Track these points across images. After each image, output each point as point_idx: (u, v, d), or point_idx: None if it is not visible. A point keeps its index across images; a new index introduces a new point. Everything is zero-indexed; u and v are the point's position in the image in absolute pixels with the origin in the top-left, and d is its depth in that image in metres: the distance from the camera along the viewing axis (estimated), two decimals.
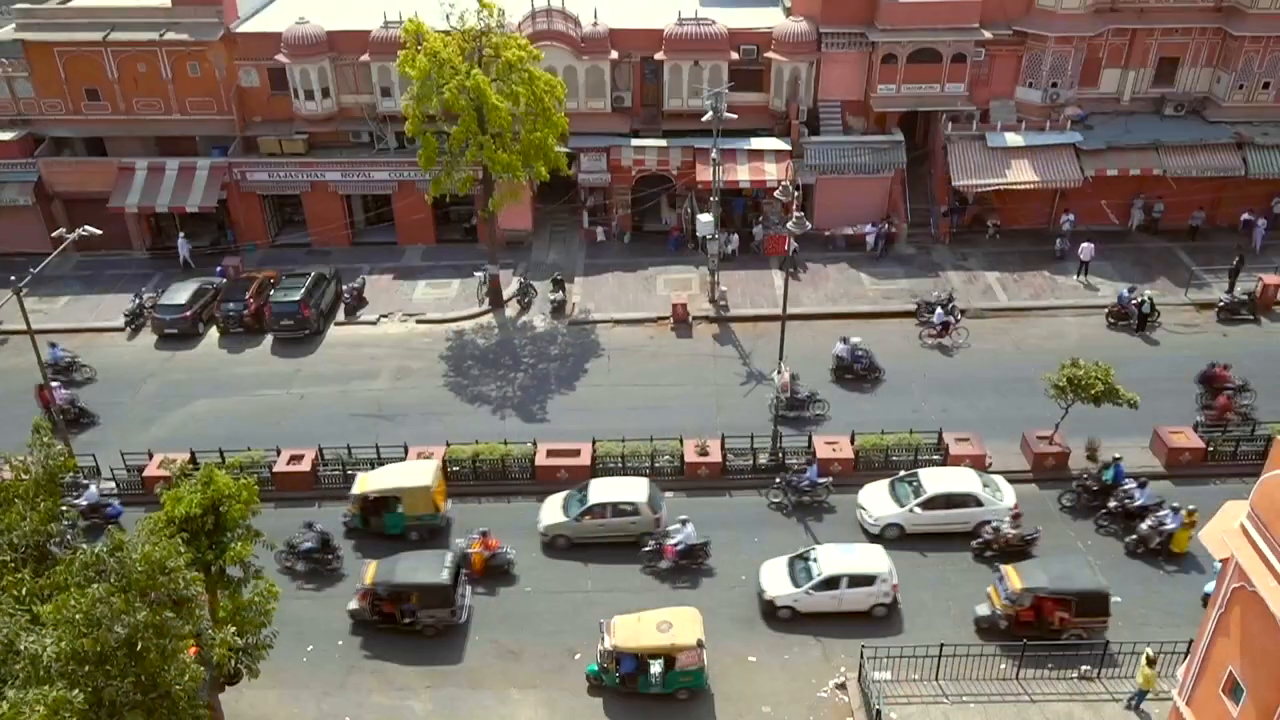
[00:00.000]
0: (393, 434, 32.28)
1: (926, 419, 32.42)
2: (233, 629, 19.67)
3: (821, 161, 41.71)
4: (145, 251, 43.78)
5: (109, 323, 39.09)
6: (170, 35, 41.17)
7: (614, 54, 41.34)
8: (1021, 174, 41.00)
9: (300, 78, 41.44)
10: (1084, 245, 39.94)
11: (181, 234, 42.34)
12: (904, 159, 42.09)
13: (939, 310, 36.76)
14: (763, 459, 30.72)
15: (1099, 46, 41.63)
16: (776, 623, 25.88)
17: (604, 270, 41.94)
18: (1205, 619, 17.66)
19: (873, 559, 25.95)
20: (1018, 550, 27.13)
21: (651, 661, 23.29)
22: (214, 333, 38.58)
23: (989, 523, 27.63)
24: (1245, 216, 41.98)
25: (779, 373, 30.12)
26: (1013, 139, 41.59)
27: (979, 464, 30.21)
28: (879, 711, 22.63)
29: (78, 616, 15.72)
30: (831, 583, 25.48)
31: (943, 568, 27.42)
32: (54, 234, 33.05)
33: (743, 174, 41.16)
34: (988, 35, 40.66)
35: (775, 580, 26.10)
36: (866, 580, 25.52)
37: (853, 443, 30.74)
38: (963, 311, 38.14)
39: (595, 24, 41.31)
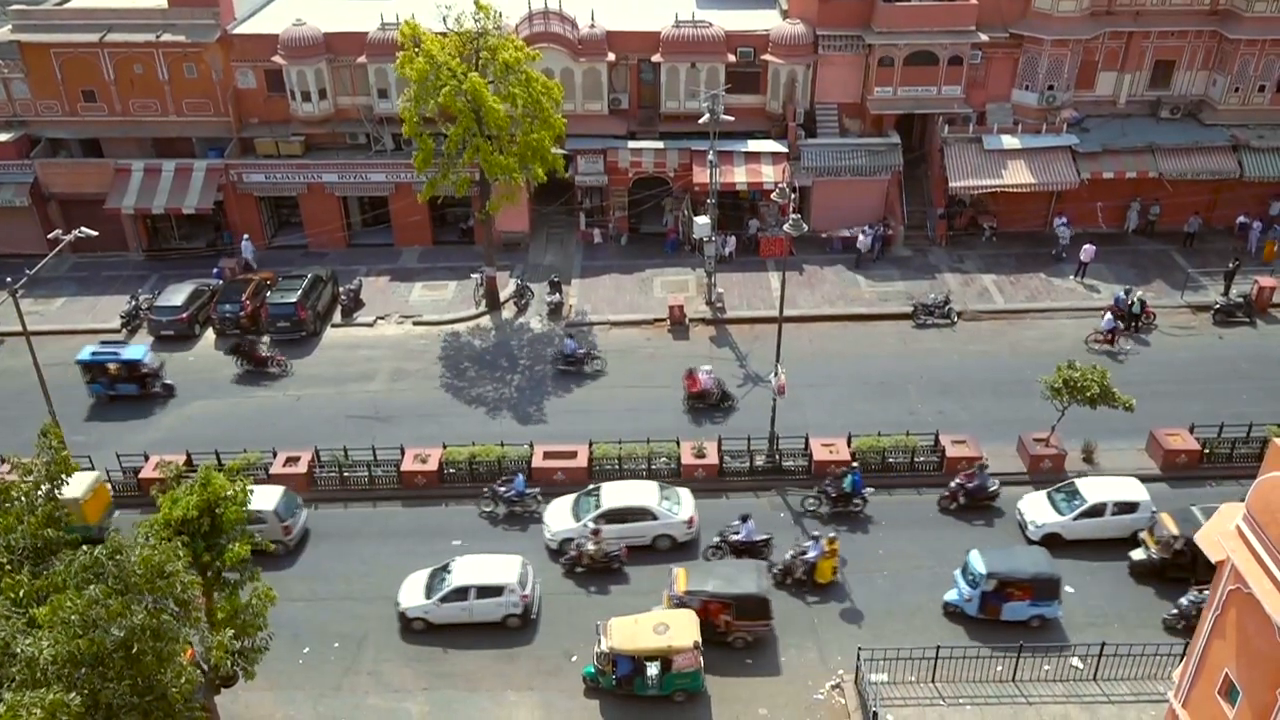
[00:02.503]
0: (389, 435, 32.29)
1: (923, 421, 32.47)
2: (230, 631, 19.66)
3: (818, 164, 41.76)
4: (141, 253, 43.72)
5: (105, 324, 39.01)
6: (167, 37, 41.14)
7: (611, 56, 41.36)
8: (1018, 176, 41.07)
9: (297, 79, 41.42)
10: (1085, 247, 40.01)
11: (246, 236, 42.12)
12: (900, 161, 42.14)
13: (1107, 316, 36.30)
14: (760, 460, 30.75)
15: (1095, 49, 41.72)
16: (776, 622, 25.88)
17: (601, 272, 41.95)
18: (1201, 621, 17.69)
19: (504, 570, 25.89)
20: (603, 568, 27.14)
21: (648, 664, 23.28)
22: (210, 334, 38.53)
23: (663, 535, 27.82)
24: (1241, 219, 42.07)
25: (776, 374, 30.12)
26: (1009, 141, 41.66)
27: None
28: (875, 714, 22.65)
29: (73, 618, 15.71)
30: (460, 593, 25.51)
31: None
32: (50, 235, 33.09)
33: (740, 176, 41.19)
34: (984, 38, 40.73)
35: (412, 592, 25.91)
36: (495, 591, 25.51)
37: (849, 445, 30.77)
38: (959, 313, 38.22)
39: (592, 26, 41.32)
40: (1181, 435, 30.82)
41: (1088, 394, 28.74)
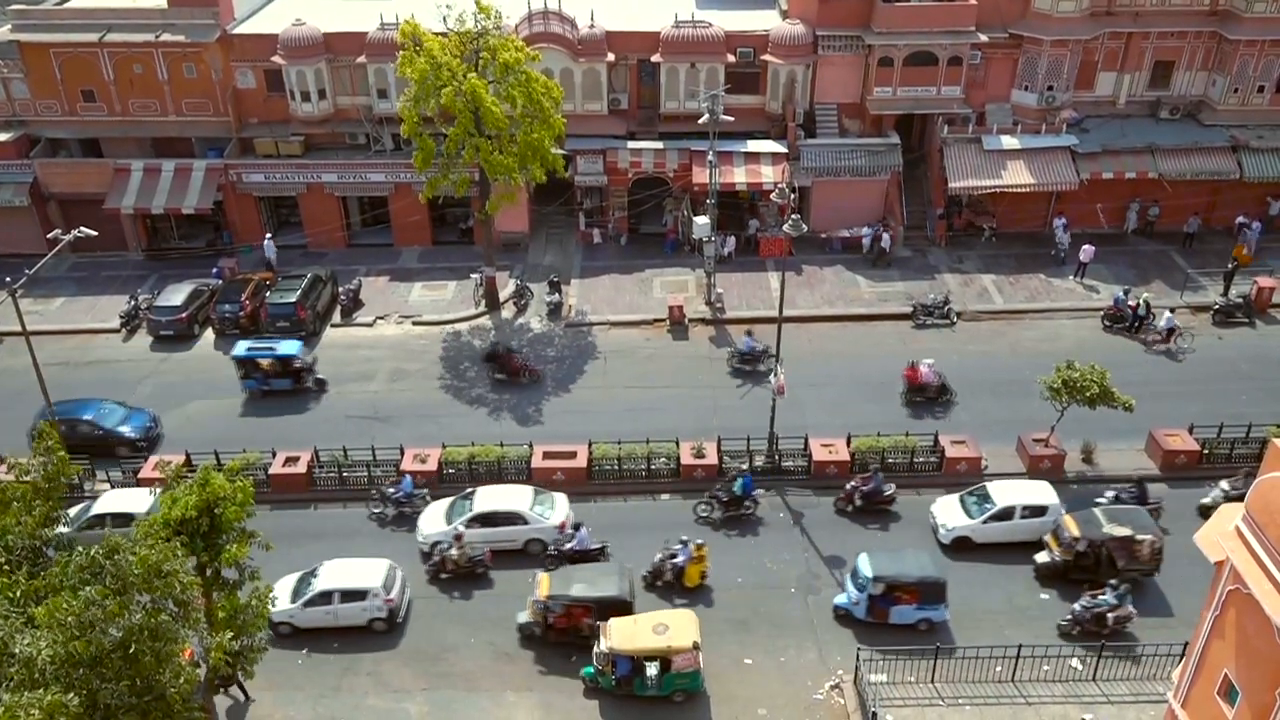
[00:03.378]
0: (388, 436, 32.29)
1: (923, 421, 32.44)
2: (229, 632, 19.65)
3: (818, 164, 41.75)
4: (141, 253, 43.71)
5: (104, 324, 39.02)
6: (166, 37, 41.13)
7: (610, 56, 41.36)
8: (1017, 176, 41.07)
9: (297, 79, 41.41)
10: (1085, 247, 40.03)
11: (269, 236, 42.07)
12: (900, 161, 42.14)
13: (1166, 314, 36.16)
14: (759, 461, 30.75)
15: (1094, 50, 41.72)
16: (771, 626, 25.91)
17: (600, 272, 41.94)
18: (1200, 621, 17.69)
19: (370, 574, 25.82)
20: (468, 572, 27.00)
21: (648, 664, 23.27)
22: (209, 334, 38.53)
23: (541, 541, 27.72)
24: (1240, 219, 42.06)
25: (775, 375, 30.11)
26: (1009, 142, 41.66)
27: (975, 466, 30.28)
28: (875, 714, 22.66)
29: (70, 619, 15.70)
30: (324, 597, 25.50)
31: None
32: (49, 235, 33.05)
33: (739, 176, 41.19)
34: (983, 38, 40.74)
35: (280, 596, 25.37)
36: (359, 595, 25.47)
37: (849, 445, 30.76)
38: (959, 314, 38.22)
39: (592, 26, 41.32)
40: (1181, 436, 30.83)
41: (1087, 394, 28.73)
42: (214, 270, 41.23)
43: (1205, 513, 28.01)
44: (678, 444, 30.98)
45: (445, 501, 28.98)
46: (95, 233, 32.08)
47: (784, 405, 30.64)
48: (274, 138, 42.63)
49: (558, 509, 28.48)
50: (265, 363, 34.40)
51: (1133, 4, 41.17)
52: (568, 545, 27.29)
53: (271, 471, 30.40)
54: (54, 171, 42.54)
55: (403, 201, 42.36)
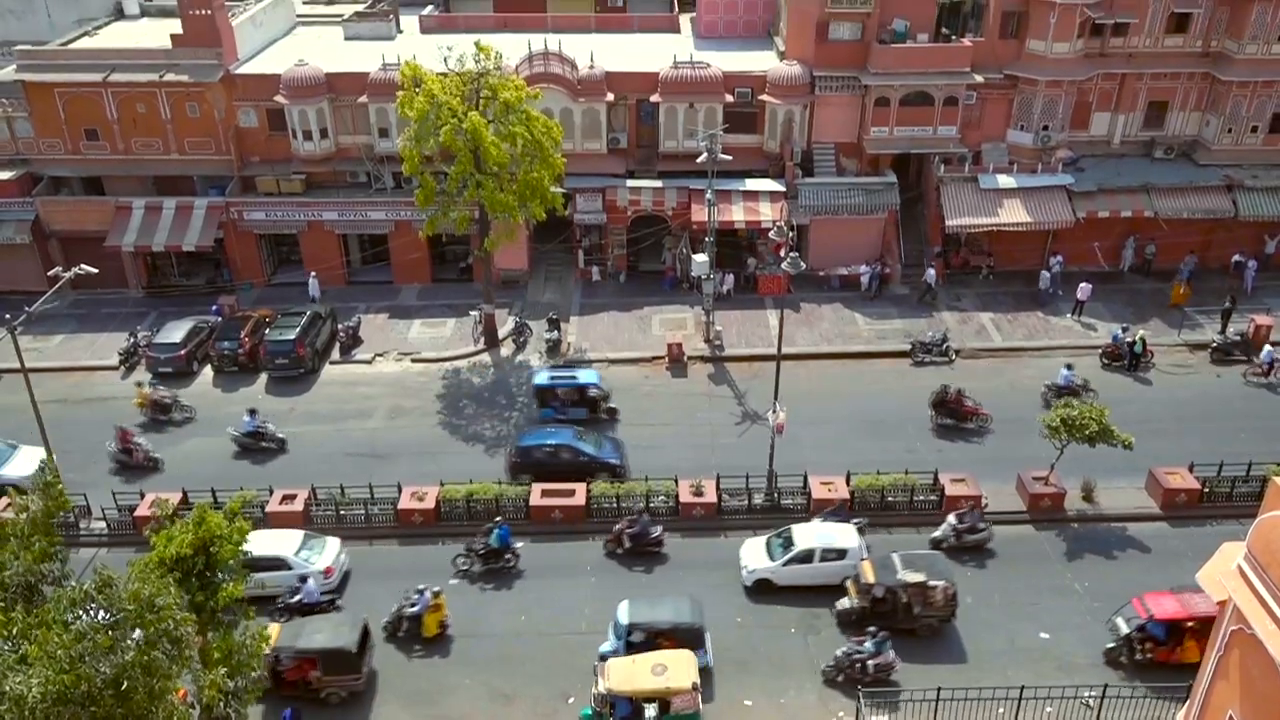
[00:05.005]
0: (387, 473, 32.13)
1: (922, 459, 32.38)
2: (223, 670, 19.44)
3: (816, 202, 42.02)
4: (141, 290, 43.82)
5: (103, 361, 39.00)
6: (170, 76, 41.51)
7: (610, 96, 41.76)
8: (1014, 215, 41.33)
9: (299, 118, 41.77)
10: (1082, 285, 40.19)
11: (312, 273, 42.22)
12: (897, 200, 42.42)
13: (1267, 348, 36.07)
14: (758, 499, 30.63)
15: (1089, 91, 42.18)
16: (770, 665, 25.63)
17: (599, 310, 42.04)
18: (1204, 661, 17.52)
19: None
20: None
21: (647, 705, 22.98)
22: (208, 371, 38.51)
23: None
24: (1236, 258, 42.28)
25: (774, 413, 30.09)
26: (1005, 181, 41.98)
27: (975, 505, 30.14)
28: None
29: (60, 653, 15.54)
30: None
31: None
32: (50, 272, 33.13)
33: (738, 214, 41.42)
34: (979, 79, 41.18)
35: None
36: None
37: (848, 483, 30.66)
38: (957, 351, 38.28)
39: (591, 67, 41.76)
40: (1181, 474, 30.74)
41: (1086, 432, 28.70)
42: (213, 307, 41.31)
43: (936, 545, 28.52)
44: (676, 482, 30.87)
45: None
46: (96, 270, 32.21)
47: (783, 443, 30.56)
48: (275, 176, 42.91)
49: (326, 553, 28.13)
50: (561, 391, 34.45)
51: (1126, 46, 41.69)
52: (294, 599, 26.76)
53: (269, 509, 30.22)
54: (56, 209, 42.76)
55: (403, 239, 42.56)
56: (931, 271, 41.54)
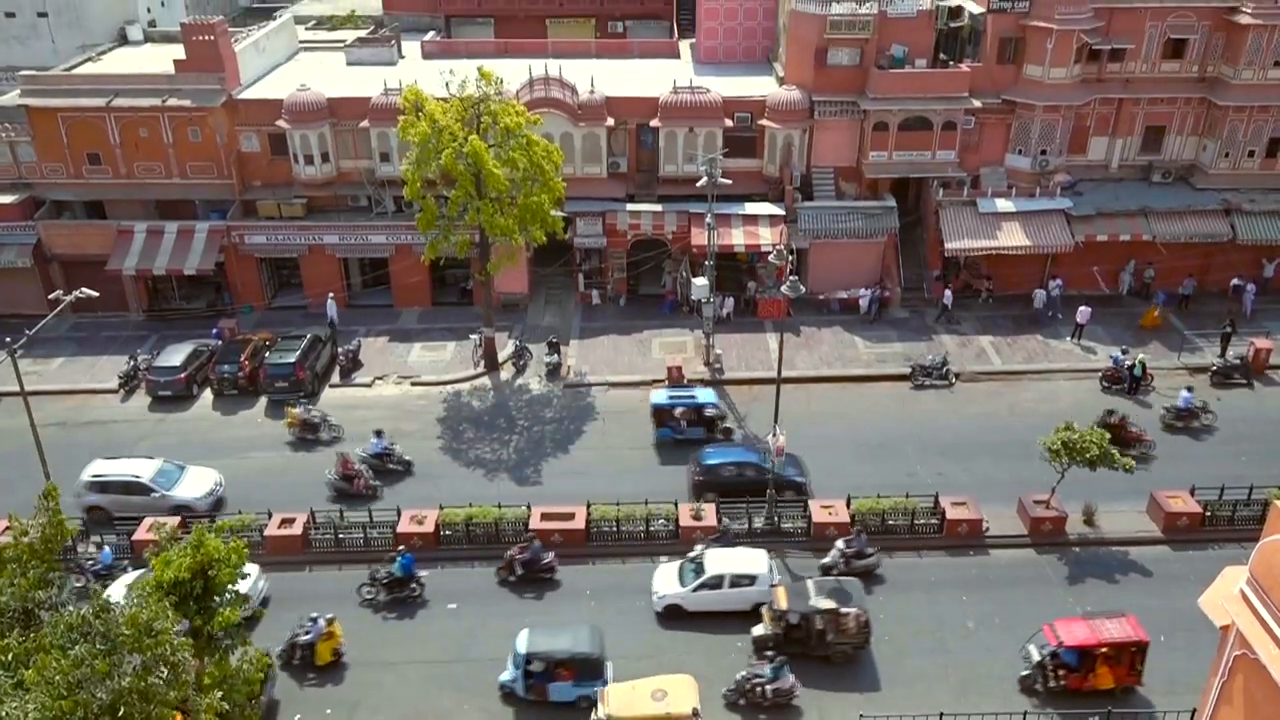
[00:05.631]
0: (386, 497, 32.03)
1: (922, 482, 32.31)
2: (219, 694, 19.31)
3: (815, 226, 42.15)
4: (141, 313, 43.88)
5: (103, 384, 38.98)
6: (173, 101, 41.76)
7: (610, 121, 41.99)
8: (1013, 239, 41.44)
9: (300, 143, 41.98)
10: (1081, 308, 40.25)
11: (330, 296, 42.34)
12: (896, 224, 42.55)
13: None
14: (759, 522, 30.54)
15: (1086, 115, 42.42)
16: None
17: (599, 333, 42.08)
18: (1207, 687, 17.41)
19: None
20: None
21: None
22: (208, 394, 38.49)
23: None
24: (1235, 281, 42.37)
25: (774, 436, 30.05)
26: (1003, 205, 42.13)
27: (976, 528, 30.05)
28: None
29: (58, 678, 15.44)
30: None
31: None
32: (51, 296, 33.19)
33: (737, 238, 41.54)
34: (977, 104, 41.43)
35: None
36: None
37: (849, 506, 30.57)
38: (957, 375, 38.27)
39: (592, 92, 42.01)
40: (1182, 497, 30.66)
41: (1087, 456, 28.65)
42: (214, 331, 41.34)
43: (826, 571, 28.35)
44: (676, 505, 30.79)
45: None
46: (96, 293, 32.27)
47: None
48: (277, 200, 43.06)
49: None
50: (678, 411, 34.40)
51: (1123, 71, 41.97)
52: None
53: (267, 533, 30.13)
54: (57, 233, 42.88)
55: (403, 263, 42.66)
56: (949, 293, 41.64)
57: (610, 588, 28.83)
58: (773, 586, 26.98)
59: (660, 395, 35.42)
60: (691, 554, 28.56)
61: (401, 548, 28.83)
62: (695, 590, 27.35)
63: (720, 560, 27.74)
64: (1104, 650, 24.38)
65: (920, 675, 25.81)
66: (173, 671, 17.11)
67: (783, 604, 25.88)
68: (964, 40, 43.46)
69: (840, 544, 28.86)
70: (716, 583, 27.26)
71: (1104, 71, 41.87)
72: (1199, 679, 22.19)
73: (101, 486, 31.82)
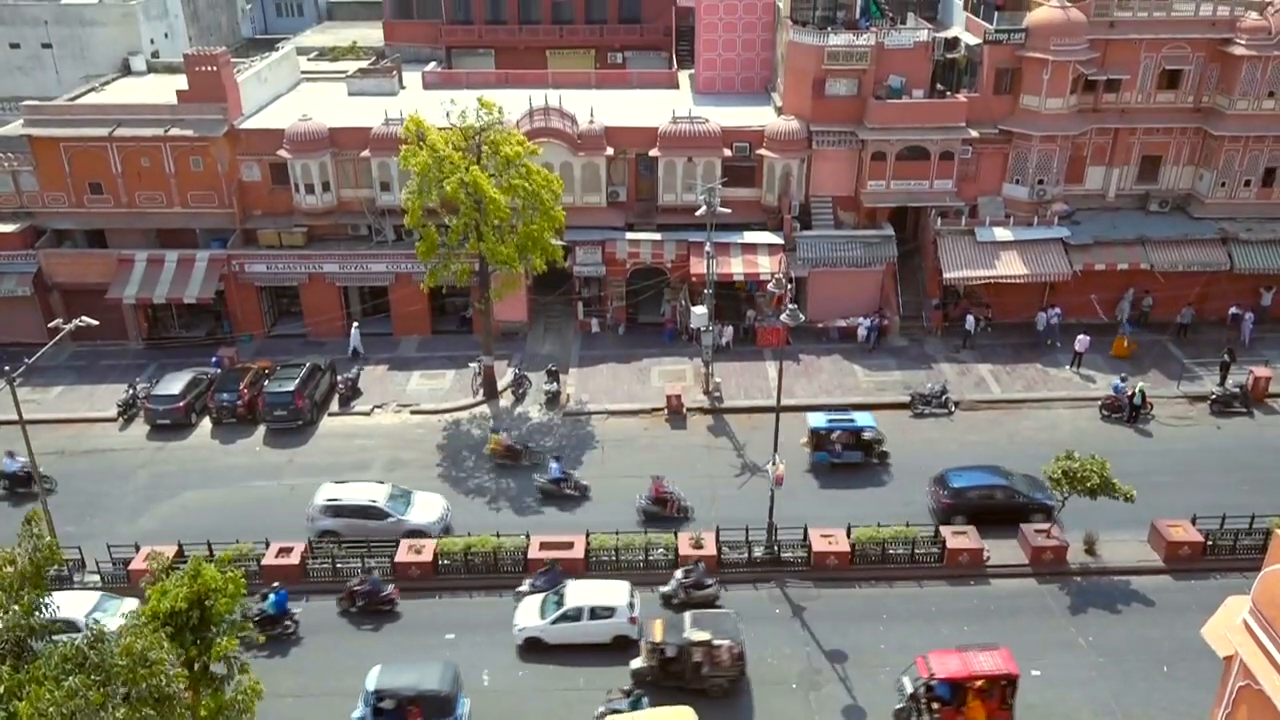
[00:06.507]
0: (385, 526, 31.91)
1: (922, 512, 32.19)
2: None
3: (814, 255, 42.28)
4: (141, 342, 43.89)
5: (101, 413, 38.92)
6: (175, 131, 42.01)
7: (609, 150, 42.22)
8: (1011, 267, 41.55)
9: (301, 172, 42.20)
10: (1080, 337, 40.30)
11: (355, 324, 42.44)
12: (895, 253, 42.68)
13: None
14: (758, 552, 30.39)
15: (1083, 145, 42.67)
16: None
17: (598, 361, 42.08)
18: (1211, 718, 17.25)
19: None
20: None
21: None
22: (207, 423, 38.42)
23: None
24: (1234, 310, 42.44)
25: (774, 464, 29.97)
26: (1001, 234, 42.28)
27: (977, 558, 29.91)
28: None
29: (51, 710, 15.28)
30: None
31: None
32: (50, 324, 33.20)
33: (736, 267, 41.64)
34: (974, 134, 41.68)
35: None
36: None
37: (849, 536, 30.44)
38: (957, 403, 38.24)
39: (591, 122, 42.28)
40: (1184, 527, 30.54)
41: (1087, 485, 28.57)
42: (213, 359, 41.34)
43: (667, 601, 28.30)
44: (676, 534, 30.66)
45: None
46: (96, 322, 32.25)
47: (783, 495, 30.42)
48: (277, 229, 43.21)
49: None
50: (835, 434, 34.24)
51: (1119, 101, 42.26)
52: None
53: (264, 562, 29.97)
54: (58, 262, 42.98)
55: (403, 291, 42.74)
56: (971, 319, 41.76)
57: None
58: (632, 619, 26.96)
59: (819, 419, 35.02)
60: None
61: (276, 584, 28.48)
62: (554, 623, 27.13)
63: (581, 592, 27.62)
64: (978, 683, 23.99)
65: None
66: (166, 703, 16.95)
67: (658, 636, 25.68)
68: (961, 71, 43.81)
69: (679, 574, 28.73)
70: (576, 615, 27.09)
71: (1100, 102, 42.17)
72: None
73: (336, 511, 31.55)
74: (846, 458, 34.39)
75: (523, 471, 35.01)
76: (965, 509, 31.38)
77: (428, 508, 32.31)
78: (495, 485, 34.75)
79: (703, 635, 25.34)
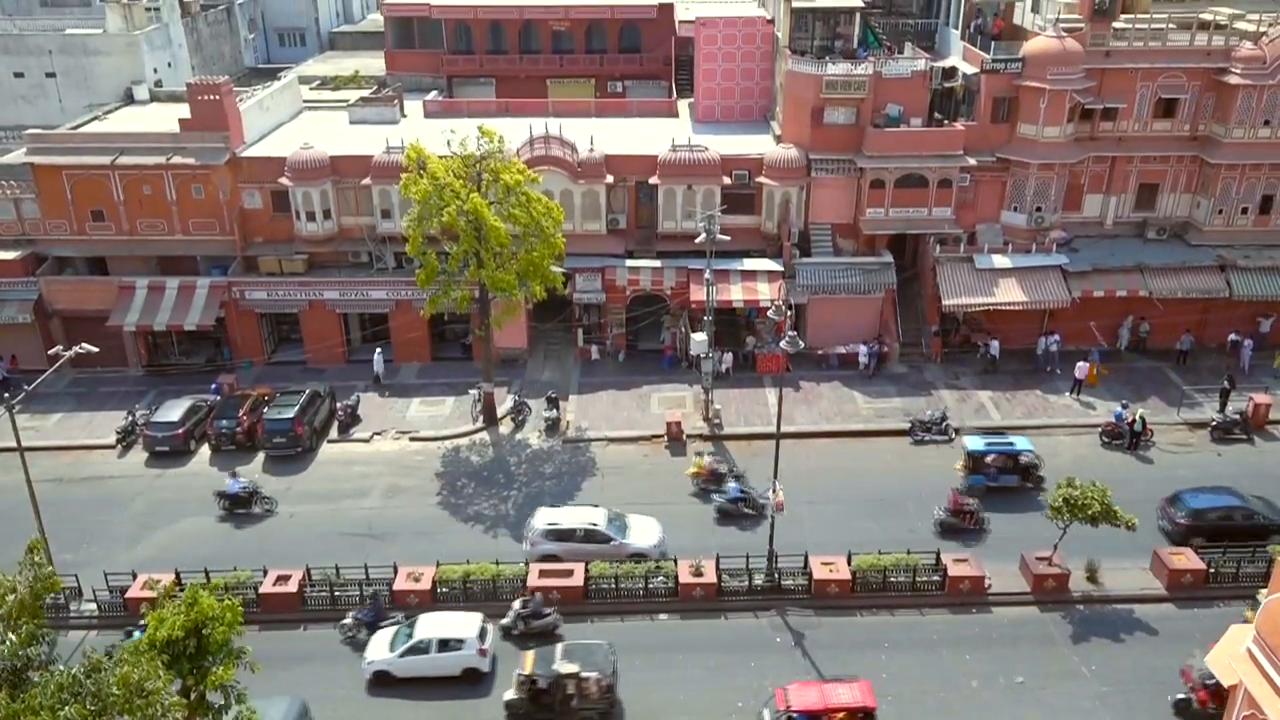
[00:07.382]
0: (383, 553, 31.79)
1: (924, 539, 32.07)
2: None
3: (813, 282, 42.38)
4: (141, 369, 43.89)
5: (100, 440, 38.86)
6: (177, 159, 42.22)
7: (609, 178, 42.43)
8: (1010, 294, 41.65)
9: (302, 200, 42.37)
10: (1080, 364, 40.32)
11: (379, 348, 42.60)
12: (894, 280, 42.79)
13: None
14: (759, 579, 30.24)
15: (1080, 173, 42.88)
16: None
17: (598, 388, 42.06)
18: None
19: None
20: None
21: None
22: (206, 449, 38.34)
23: None
24: (1233, 337, 42.49)
25: (773, 491, 29.89)
26: (1000, 261, 42.41)
27: (978, 585, 29.76)
28: None
29: None
30: None
31: None
32: (51, 351, 33.20)
33: (736, 294, 41.74)
34: (972, 162, 41.90)
35: None
36: None
37: (849, 563, 30.30)
38: (957, 430, 38.19)
39: (591, 150, 42.52)
40: (1186, 554, 30.41)
41: (1089, 512, 28.47)
42: (212, 386, 41.32)
43: (506, 632, 28.25)
44: (676, 562, 30.52)
45: None
46: (96, 349, 32.28)
47: (783, 522, 30.32)
48: (278, 256, 43.32)
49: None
50: (990, 458, 34.11)
51: (1116, 130, 42.52)
52: None
53: (262, 590, 29.81)
54: (59, 289, 43.05)
55: (403, 318, 42.80)
56: (995, 344, 41.82)
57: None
58: (482, 650, 26.76)
59: (977, 442, 34.87)
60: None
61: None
62: (402, 655, 26.80)
63: (430, 624, 27.33)
64: (836, 716, 23.83)
65: None
66: None
67: (528, 668, 25.42)
68: (958, 100, 44.11)
69: (516, 605, 28.55)
70: (424, 647, 26.77)
71: (1097, 130, 42.43)
72: None
73: (558, 535, 31.44)
74: (1003, 481, 34.21)
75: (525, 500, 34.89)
76: (1204, 530, 31.27)
77: (646, 531, 32.09)
78: (494, 512, 34.63)
79: (571, 667, 25.05)
